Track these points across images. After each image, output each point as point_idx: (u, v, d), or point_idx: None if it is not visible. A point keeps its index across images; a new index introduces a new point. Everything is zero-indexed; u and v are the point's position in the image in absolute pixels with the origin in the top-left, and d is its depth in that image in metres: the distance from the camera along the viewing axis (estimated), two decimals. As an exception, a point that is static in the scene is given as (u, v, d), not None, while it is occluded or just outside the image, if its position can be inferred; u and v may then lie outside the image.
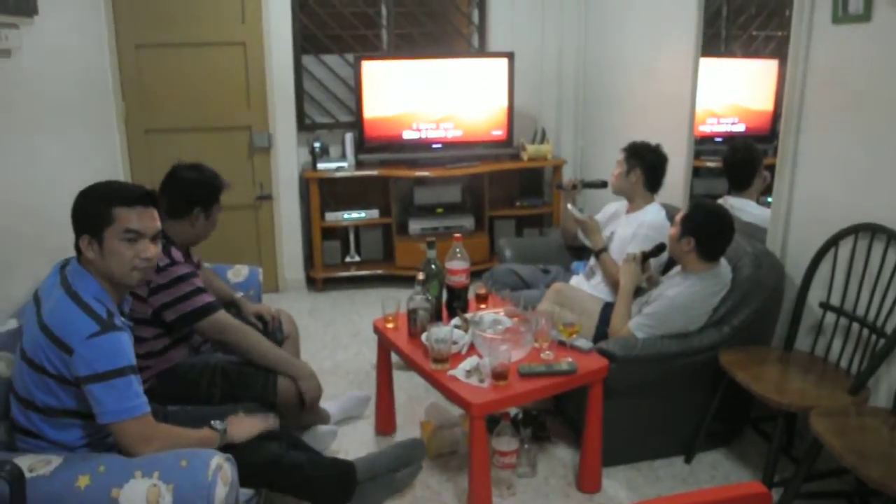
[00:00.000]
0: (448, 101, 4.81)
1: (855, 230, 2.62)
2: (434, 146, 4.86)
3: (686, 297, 2.76)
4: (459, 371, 2.50)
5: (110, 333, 1.85)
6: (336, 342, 4.07)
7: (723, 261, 2.82)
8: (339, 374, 3.64)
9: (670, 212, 3.24)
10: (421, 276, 2.79)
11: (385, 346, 2.97)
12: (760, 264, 2.80)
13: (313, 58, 4.95)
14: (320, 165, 4.72)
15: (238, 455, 1.98)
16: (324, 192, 4.83)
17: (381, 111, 4.75)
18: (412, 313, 2.76)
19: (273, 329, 2.91)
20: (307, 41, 4.89)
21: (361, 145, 4.79)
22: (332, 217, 4.82)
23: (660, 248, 3.02)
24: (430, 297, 2.78)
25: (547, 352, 2.62)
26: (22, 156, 2.64)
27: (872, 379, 2.47)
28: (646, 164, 3.25)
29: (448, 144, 4.87)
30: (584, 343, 2.69)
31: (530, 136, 5.10)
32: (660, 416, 2.85)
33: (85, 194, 1.97)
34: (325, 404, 3.01)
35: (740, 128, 3.85)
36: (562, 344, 2.67)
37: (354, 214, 4.84)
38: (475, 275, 3.59)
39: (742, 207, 3.30)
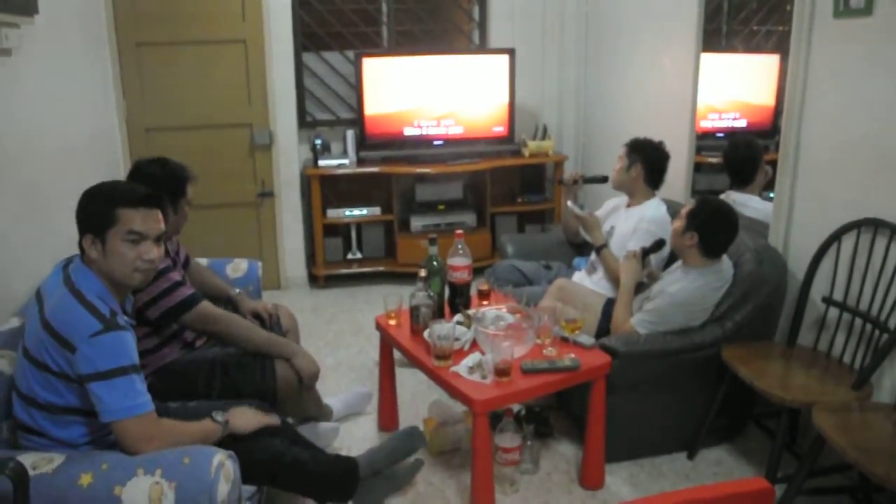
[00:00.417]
0: (449, 97, 4.81)
1: (857, 225, 2.61)
2: (435, 143, 4.86)
3: (688, 292, 2.75)
4: (462, 367, 2.50)
5: (113, 332, 1.85)
6: (338, 339, 4.07)
7: (724, 256, 2.82)
8: (341, 371, 3.64)
9: (671, 207, 3.24)
10: (423, 272, 2.79)
11: (387, 343, 2.97)
12: (763, 260, 2.80)
13: (314, 55, 4.95)
14: (322, 162, 4.72)
15: (240, 452, 1.98)
16: (325, 190, 4.83)
17: (382, 108, 4.74)
18: (414, 310, 2.75)
19: (271, 325, 2.90)
20: (308, 38, 4.89)
21: (363, 142, 4.79)
22: (334, 214, 4.82)
23: (659, 244, 3.01)
24: (432, 294, 2.78)
25: (549, 348, 2.62)
26: (22, 154, 2.64)
27: (876, 374, 2.46)
28: (647, 159, 3.24)
29: (449, 141, 4.87)
30: (587, 339, 2.69)
31: (531, 133, 5.09)
32: (662, 411, 2.85)
33: (89, 194, 1.97)
34: (328, 400, 3.01)
35: (742, 123, 3.84)
36: (564, 340, 2.67)
37: (356, 211, 4.84)
38: (477, 271, 3.58)
39: (745, 202, 3.30)
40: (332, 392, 3.16)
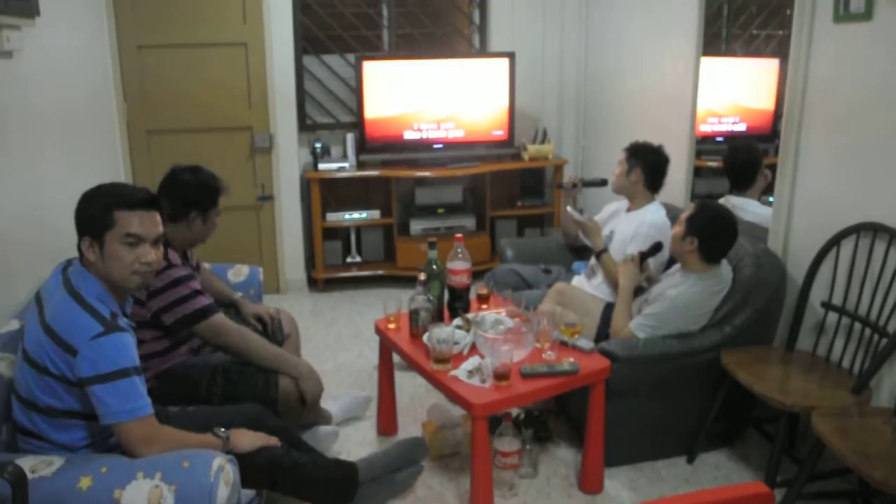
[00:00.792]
0: (449, 101, 4.81)
1: (857, 230, 2.61)
2: (435, 146, 4.86)
3: (687, 297, 2.75)
4: (461, 371, 2.50)
5: (114, 334, 1.85)
6: (338, 343, 4.07)
7: (723, 261, 2.82)
8: (340, 375, 3.64)
9: (671, 211, 3.24)
10: (422, 276, 2.79)
11: (387, 347, 2.97)
12: (762, 264, 2.80)
13: (314, 58, 4.96)
14: (321, 166, 4.72)
15: (240, 456, 1.98)
16: (325, 193, 4.83)
17: (382, 111, 4.75)
18: (414, 314, 2.75)
19: (273, 329, 2.91)
20: (308, 42, 4.90)
21: (363, 146, 4.79)
22: (334, 217, 4.82)
23: (656, 248, 3.02)
24: (431, 298, 2.78)
25: (549, 352, 2.62)
26: (23, 157, 2.64)
27: (875, 379, 2.47)
28: (646, 163, 3.25)
29: (449, 145, 4.87)
30: (586, 343, 2.69)
31: (531, 136, 5.10)
32: (662, 416, 2.85)
33: (87, 196, 1.97)
34: (327, 405, 3.01)
35: (741, 127, 3.84)
36: (563, 344, 2.67)
37: (356, 215, 4.84)
38: (476, 275, 3.59)
39: (744, 207, 3.30)
40: (331, 396, 3.16)
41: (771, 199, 3.08)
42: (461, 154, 4.89)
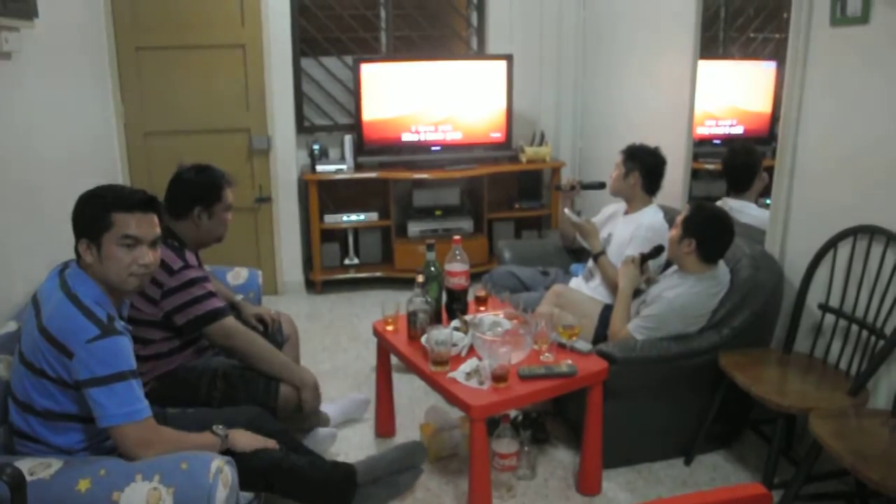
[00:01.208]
0: (447, 103, 4.81)
1: (854, 232, 2.62)
2: (433, 148, 4.86)
3: (685, 298, 2.76)
4: (459, 373, 2.50)
5: (111, 337, 1.85)
6: (335, 345, 4.07)
7: (721, 262, 2.83)
8: (338, 377, 3.64)
9: (669, 214, 3.25)
10: (420, 278, 2.79)
11: (385, 349, 2.97)
12: (759, 266, 2.81)
13: (312, 60, 4.96)
14: (319, 168, 4.72)
15: (239, 458, 1.98)
16: (323, 195, 4.83)
17: (380, 113, 4.75)
18: (412, 315, 2.76)
19: (273, 331, 2.91)
20: (306, 44, 4.90)
21: (360, 147, 4.80)
22: (331, 219, 4.82)
23: (658, 250, 3.02)
24: (429, 300, 2.78)
25: (546, 354, 2.62)
26: (22, 158, 2.64)
27: (872, 380, 2.47)
28: (644, 166, 3.25)
29: (447, 147, 4.88)
30: (584, 345, 2.69)
31: (529, 139, 5.11)
32: (659, 418, 2.85)
33: (85, 198, 1.97)
34: (325, 407, 3.00)
35: (738, 130, 3.85)
36: (561, 346, 2.67)
37: (353, 217, 4.84)
38: (474, 277, 3.59)
39: (741, 209, 3.31)
40: (329, 398, 3.16)
41: (768, 201, 3.09)
42: (459, 156, 4.89)
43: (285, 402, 2.53)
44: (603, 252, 3.26)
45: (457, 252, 2.84)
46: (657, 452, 2.90)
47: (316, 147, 4.77)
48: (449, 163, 4.83)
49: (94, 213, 1.92)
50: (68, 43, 3.34)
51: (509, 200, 5.19)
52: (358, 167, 4.82)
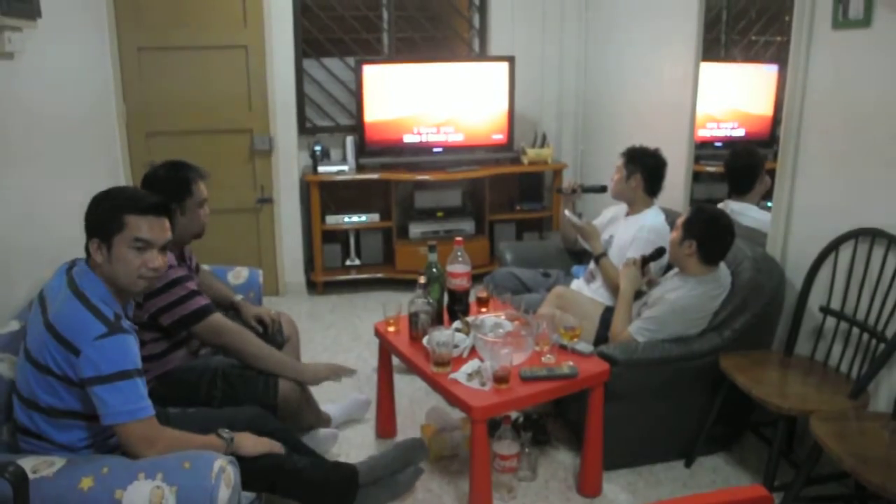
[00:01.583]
0: (449, 104, 4.82)
1: (855, 235, 2.63)
2: (435, 150, 4.87)
3: (686, 300, 2.76)
4: (461, 374, 2.51)
5: (117, 335, 1.86)
6: (337, 345, 4.07)
7: (722, 265, 2.83)
8: (339, 378, 3.64)
9: (670, 216, 3.25)
10: (422, 279, 2.80)
11: (386, 350, 2.98)
12: (760, 269, 2.81)
13: (314, 61, 4.96)
14: (321, 169, 4.73)
15: (240, 458, 1.99)
16: (324, 196, 4.83)
17: (382, 115, 4.75)
18: (413, 316, 2.76)
19: (273, 332, 2.91)
20: (308, 45, 4.91)
21: (362, 149, 4.80)
22: (333, 220, 4.82)
23: (659, 252, 3.02)
24: (431, 301, 2.79)
25: (548, 355, 2.62)
26: (23, 159, 2.65)
27: (872, 383, 2.47)
28: (645, 168, 3.25)
29: (449, 148, 4.88)
30: (585, 347, 2.69)
31: (531, 140, 5.11)
32: (660, 420, 2.85)
33: (99, 199, 1.99)
34: (326, 407, 3.01)
35: (740, 132, 3.86)
36: (563, 347, 2.67)
37: (355, 218, 4.85)
38: (475, 279, 3.59)
39: (743, 212, 3.31)
40: (330, 399, 3.16)
41: (770, 204, 3.09)
42: (460, 158, 4.89)
43: (286, 400, 2.53)
44: (604, 254, 3.27)
45: (458, 253, 2.84)
46: (658, 454, 2.90)
47: (318, 148, 4.78)
48: (450, 164, 4.83)
49: (108, 213, 1.94)
50: (71, 43, 3.35)
51: (511, 202, 5.19)
52: (359, 168, 4.82)
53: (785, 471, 2.66)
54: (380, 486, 2.48)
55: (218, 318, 2.53)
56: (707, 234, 2.74)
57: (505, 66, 4.82)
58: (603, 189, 3.60)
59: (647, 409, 2.81)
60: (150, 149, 4.39)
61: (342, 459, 2.71)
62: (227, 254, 4.11)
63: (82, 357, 1.82)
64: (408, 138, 4.83)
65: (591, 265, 3.35)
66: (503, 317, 2.86)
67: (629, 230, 3.26)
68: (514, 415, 2.96)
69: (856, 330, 2.62)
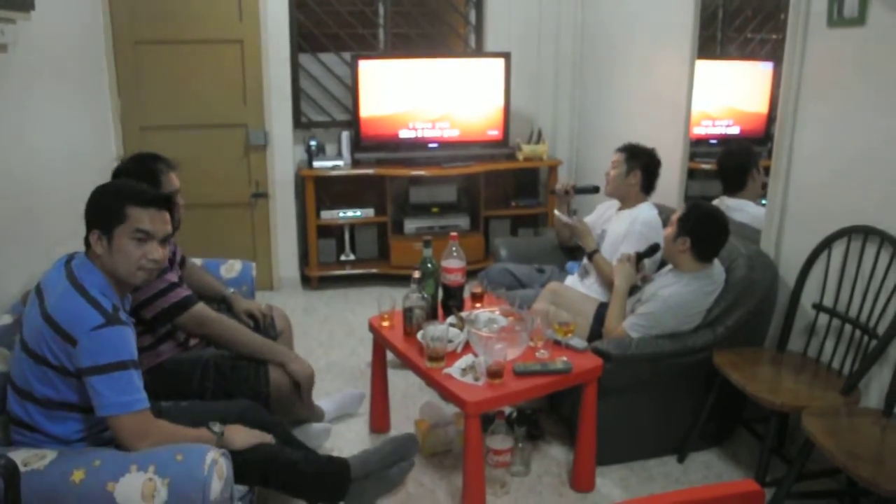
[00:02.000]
0: (444, 100, 4.82)
1: (848, 232, 2.64)
2: (430, 145, 4.87)
3: (680, 297, 2.77)
4: (455, 369, 2.51)
5: (115, 326, 1.87)
6: (331, 340, 4.07)
7: (716, 261, 2.84)
8: (333, 373, 3.64)
9: (664, 213, 3.26)
10: (417, 274, 2.80)
11: (380, 344, 2.98)
12: (754, 265, 2.82)
13: (310, 56, 4.95)
14: (316, 164, 4.72)
15: (233, 451, 1.98)
16: (319, 191, 4.83)
17: (377, 110, 4.75)
18: (408, 311, 2.76)
19: (265, 326, 2.90)
20: (304, 39, 4.90)
21: (357, 144, 4.80)
22: (328, 215, 4.82)
23: (654, 249, 3.03)
24: (425, 296, 2.79)
25: (542, 351, 2.63)
26: (17, 151, 2.64)
27: (864, 380, 2.49)
28: (645, 166, 3.26)
29: (444, 144, 4.88)
30: (579, 342, 2.70)
31: (526, 137, 5.11)
32: (653, 415, 2.86)
33: (101, 190, 2.01)
34: (320, 401, 3.01)
35: (735, 130, 3.87)
36: (557, 343, 2.68)
37: (350, 213, 4.84)
38: (470, 275, 3.59)
39: (738, 207, 3.32)
40: (324, 393, 3.16)
41: (764, 201, 3.10)
42: (456, 153, 4.90)
43: (278, 388, 2.53)
44: (597, 250, 3.27)
45: (453, 249, 2.84)
46: (651, 450, 2.91)
47: (313, 143, 4.77)
48: (446, 160, 4.83)
49: (110, 205, 1.96)
50: (65, 36, 3.33)
51: (506, 198, 5.20)
52: (355, 163, 4.82)
53: (777, 466, 2.68)
54: (372, 479, 2.48)
55: (200, 308, 2.53)
56: (701, 231, 2.75)
57: (501, 62, 4.82)
58: (595, 189, 3.60)
59: (641, 405, 2.82)
60: (144, 143, 4.37)
61: (335, 454, 2.72)
62: (221, 248, 4.09)
63: (79, 347, 1.83)
64: (403, 134, 4.83)
65: (585, 261, 3.35)
66: (497, 312, 2.87)
67: (622, 224, 3.26)
68: (507, 410, 2.97)
69: (848, 326, 2.64)
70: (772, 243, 3.02)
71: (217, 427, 2.06)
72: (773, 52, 3.38)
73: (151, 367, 2.50)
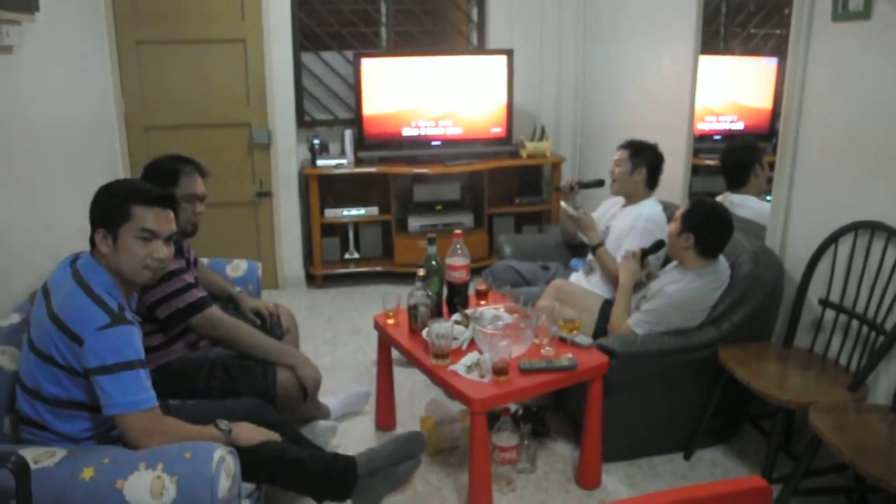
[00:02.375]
0: (447, 98, 4.82)
1: (854, 228, 2.63)
2: (433, 143, 4.87)
3: (685, 293, 2.77)
4: (460, 366, 2.51)
5: (121, 326, 1.87)
6: (336, 338, 4.07)
7: (721, 257, 2.83)
8: (339, 370, 3.65)
9: (668, 209, 3.25)
10: (421, 271, 2.80)
11: (386, 342, 2.98)
12: (759, 261, 2.81)
13: (313, 55, 4.95)
14: (320, 162, 4.72)
15: (241, 449, 1.99)
16: (323, 189, 4.83)
17: (380, 108, 4.75)
18: (413, 309, 2.76)
19: (271, 325, 2.91)
20: (307, 38, 4.90)
21: (361, 142, 4.80)
22: (332, 214, 4.82)
23: (659, 245, 3.02)
24: (430, 293, 2.79)
25: (547, 348, 2.63)
26: (21, 153, 2.64)
27: (871, 376, 2.48)
28: (649, 162, 3.26)
29: (447, 142, 4.88)
30: (584, 339, 2.70)
31: (529, 134, 5.11)
32: (659, 412, 2.86)
33: (106, 189, 2.01)
34: (326, 400, 3.01)
35: (739, 126, 3.86)
36: (562, 340, 2.68)
37: (354, 211, 4.85)
38: (474, 272, 3.59)
39: (742, 203, 3.32)
40: (329, 391, 3.17)
41: (769, 197, 3.09)
42: (459, 151, 4.90)
43: (284, 388, 2.53)
44: (601, 244, 3.27)
45: (458, 246, 2.84)
46: (657, 447, 2.91)
47: (316, 141, 4.77)
48: (449, 158, 4.83)
49: (115, 204, 1.96)
50: (69, 37, 3.34)
51: (510, 195, 5.19)
52: (358, 162, 4.82)
53: (784, 463, 2.67)
54: (378, 477, 2.48)
55: (214, 310, 2.54)
56: (705, 228, 2.75)
57: (503, 59, 4.82)
58: (600, 183, 3.60)
59: (646, 402, 2.82)
60: (148, 143, 4.39)
61: (341, 451, 2.72)
62: (225, 247, 4.10)
63: (86, 347, 1.84)
64: (406, 132, 4.83)
65: (590, 257, 3.35)
66: (502, 309, 2.87)
67: (626, 220, 3.26)
68: (513, 407, 2.97)
69: (855, 322, 2.63)
70: (777, 239, 3.01)
71: (224, 425, 2.07)
72: (778, 48, 3.37)
73: (159, 367, 2.51)
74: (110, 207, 1.96)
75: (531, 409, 3.02)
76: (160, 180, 2.55)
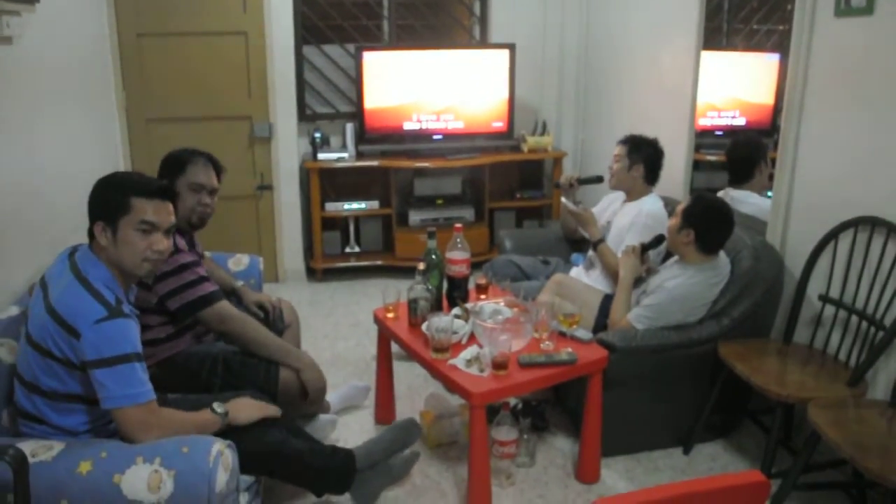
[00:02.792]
0: (449, 92, 4.80)
1: (855, 223, 2.62)
2: (435, 137, 4.86)
3: (685, 288, 2.76)
4: (460, 360, 2.51)
5: (118, 319, 1.87)
6: (336, 332, 4.07)
7: (721, 253, 2.83)
8: (339, 364, 3.65)
9: (669, 204, 3.25)
10: (422, 265, 2.80)
11: (385, 336, 2.98)
12: (760, 257, 2.81)
13: (314, 48, 4.94)
14: (321, 156, 4.72)
15: (239, 442, 1.99)
16: (324, 183, 4.82)
17: (381, 102, 4.74)
18: (413, 303, 2.76)
19: (274, 318, 2.91)
20: (308, 31, 4.88)
21: (362, 136, 4.79)
22: (333, 207, 4.82)
23: (658, 240, 3.02)
24: (430, 287, 2.79)
25: (547, 342, 2.63)
26: (23, 143, 2.64)
27: (871, 371, 2.48)
28: (647, 158, 3.25)
29: (449, 136, 4.87)
30: (584, 333, 2.70)
31: (531, 128, 5.10)
32: (659, 407, 2.86)
33: (104, 181, 2.01)
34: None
35: (741, 121, 3.85)
36: (562, 334, 2.68)
37: (354, 205, 4.84)
38: (475, 266, 3.59)
39: (743, 199, 3.31)
40: (329, 386, 3.16)
41: (770, 193, 3.09)
42: (460, 145, 4.89)
43: (286, 387, 2.53)
44: (602, 239, 3.26)
45: (458, 240, 2.84)
46: (656, 441, 2.91)
47: (317, 135, 4.77)
48: (450, 152, 4.83)
49: (114, 196, 1.96)
50: (70, 28, 3.33)
51: (510, 190, 5.19)
52: (359, 155, 4.81)
53: (783, 458, 2.67)
54: (377, 470, 2.49)
55: (224, 304, 2.53)
56: (705, 223, 2.74)
57: (505, 53, 4.81)
58: (599, 179, 3.59)
59: (646, 397, 2.82)
60: (149, 135, 4.38)
61: (341, 445, 2.72)
62: (226, 241, 4.10)
63: (83, 340, 1.83)
64: (408, 125, 4.82)
65: (590, 253, 3.35)
66: (502, 303, 2.87)
67: (627, 216, 3.25)
68: (512, 401, 2.97)
69: (854, 318, 2.63)
70: (778, 234, 3.01)
71: (220, 408, 2.07)
72: (780, 43, 3.36)
73: (161, 360, 2.51)
74: (109, 200, 1.96)
75: (531, 403, 3.02)
76: (169, 168, 2.57)
